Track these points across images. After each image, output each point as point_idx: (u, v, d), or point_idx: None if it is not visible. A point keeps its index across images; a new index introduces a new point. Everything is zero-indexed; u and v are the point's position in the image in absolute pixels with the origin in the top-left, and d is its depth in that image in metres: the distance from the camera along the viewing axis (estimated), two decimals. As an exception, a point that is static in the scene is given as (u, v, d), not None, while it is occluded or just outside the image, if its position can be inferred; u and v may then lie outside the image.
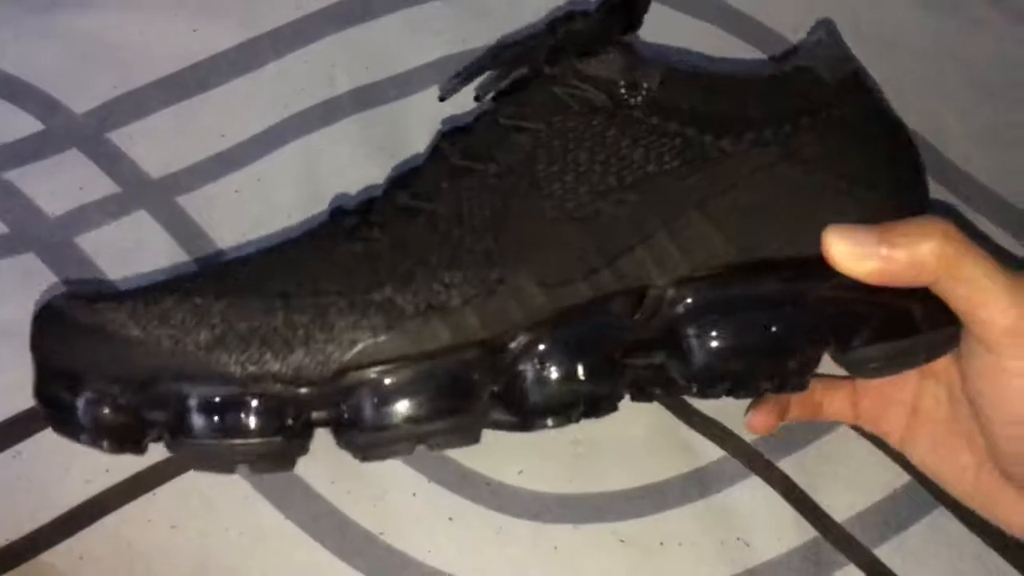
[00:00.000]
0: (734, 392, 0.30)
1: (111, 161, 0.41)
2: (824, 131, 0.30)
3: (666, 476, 0.37)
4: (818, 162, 0.30)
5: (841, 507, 0.37)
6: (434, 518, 0.35)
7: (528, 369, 0.28)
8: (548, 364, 0.28)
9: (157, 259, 0.39)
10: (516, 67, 0.31)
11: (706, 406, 0.38)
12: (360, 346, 0.27)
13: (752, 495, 0.37)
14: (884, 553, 0.36)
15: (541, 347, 0.28)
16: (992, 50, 0.47)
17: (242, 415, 0.27)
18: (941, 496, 0.37)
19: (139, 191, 0.40)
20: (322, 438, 0.36)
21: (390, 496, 0.36)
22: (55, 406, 0.28)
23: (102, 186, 0.40)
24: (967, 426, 0.34)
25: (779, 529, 0.36)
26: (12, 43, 0.43)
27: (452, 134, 0.31)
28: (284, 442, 0.28)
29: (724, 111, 0.30)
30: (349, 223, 0.30)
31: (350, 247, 0.29)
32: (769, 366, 0.29)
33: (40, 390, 0.29)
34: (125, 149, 0.41)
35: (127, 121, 0.42)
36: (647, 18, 0.32)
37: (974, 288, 0.29)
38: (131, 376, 0.27)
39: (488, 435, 0.33)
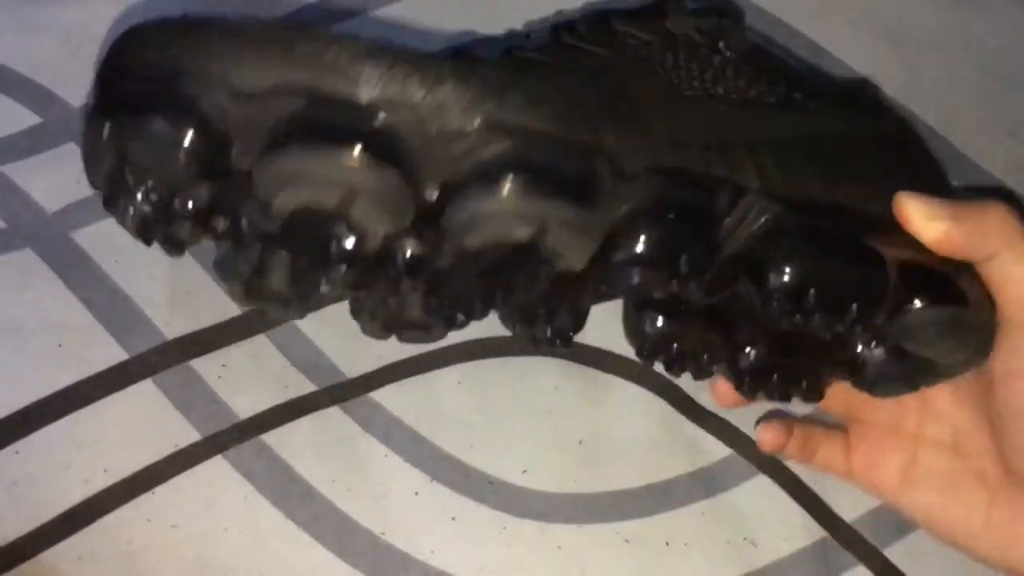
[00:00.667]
0: (805, 315, 0.29)
1: (108, 155, 0.40)
2: (896, 128, 0.34)
3: (672, 475, 0.37)
4: (898, 150, 0.33)
5: (850, 507, 0.37)
6: (436, 518, 0.35)
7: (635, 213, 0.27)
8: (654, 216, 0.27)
9: (154, 254, 0.39)
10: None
11: (714, 404, 0.38)
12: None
13: (759, 494, 0.37)
14: (894, 553, 0.36)
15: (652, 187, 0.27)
16: (1008, 41, 0.46)
17: None
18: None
19: (137, 185, 0.40)
20: (321, 434, 0.36)
21: (391, 495, 0.35)
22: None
23: (99, 180, 0.40)
24: (978, 460, 0.33)
25: (787, 529, 0.36)
26: (8, 35, 0.43)
27: (564, 25, 0.32)
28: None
29: (811, 82, 0.33)
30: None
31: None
32: (835, 303, 0.29)
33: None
34: (122, 143, 0.41)
35: (124, 114, 0.41)
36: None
37: None
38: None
39: (491, 433, 0.33)
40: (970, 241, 0.30)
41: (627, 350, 0.34)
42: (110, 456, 0.35)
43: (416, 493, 0.36)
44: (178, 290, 0.38)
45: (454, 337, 0.37)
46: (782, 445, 0.36)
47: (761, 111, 0.31)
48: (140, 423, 0.36)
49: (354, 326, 0.33)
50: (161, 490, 0.35)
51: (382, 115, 0.24)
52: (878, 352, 0.32)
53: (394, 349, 0.36)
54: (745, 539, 0.36)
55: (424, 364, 0.38)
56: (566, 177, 0.25)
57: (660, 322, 0.31)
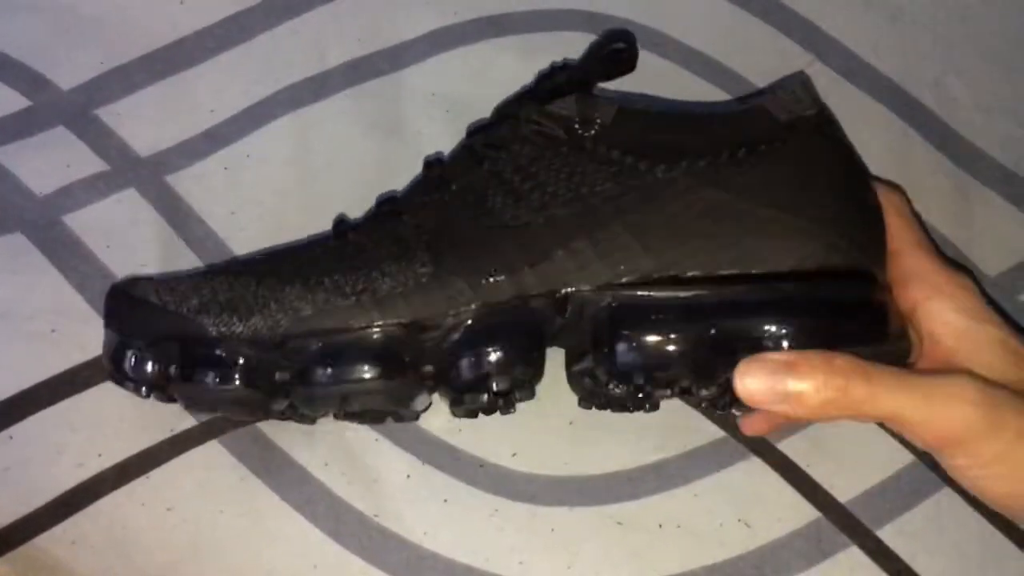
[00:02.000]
0: (647, 388, 0.33)
1: (99, 138, 0.41)
2: (761, 163, 0.33)
3: (665, 457, 0.37)
4: (748, 191, 0.33)
5: (844, 488, 0.37)
6: (428, 500, 0.36)
7: (453, 349, 0.33)
8: (468, 347, 0.33)
9: (147, 238, 0.39)
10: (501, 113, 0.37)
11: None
12: (304, 315, 0.33)
13: (753, 476, 0.37)
14: (887, 534, 0.37)
15: (461, 332, 0.33)
16: (1001, 20, 0.47)
17: (218, 369, 0.33)
18: (945, 476, 0.37)
19: (128, 169, 0.41)
20: (320, 423, 0.36)
21: (383, 479, 0.36)
22: (114, 363, 0.34)
23: (90, 164, 0.41)
24: None
25: (780, 510, 0.37)
26: (-4, 17, 0.44)
27: (435, 162, 0.37)
28: (251, 392, 0.33)
29: (666, 141, 0.34)
30: (340, 228, 0.36)
31: (328, 243, 0.35)
32: (665, 380, 0.33)
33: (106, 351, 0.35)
34: (113, 126, 0.41)
35: (114, 98, 0.42)
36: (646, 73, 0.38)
37: (888, 412, 0.30)
38: (149, 334, 0.34)
39: (481, 417, 0.33)
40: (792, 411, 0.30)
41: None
42: (104, 441, 0.36)
43: (407, 476, 0.36)
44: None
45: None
46: (764, 428, 0.36)
47: (590, 206, 0.33)
48: (134, 408, 0.36)
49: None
50: (156, 474, 0.36)
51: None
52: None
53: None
54: (739, 521, 0.36)
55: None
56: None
57: (586, 381, 0.34)
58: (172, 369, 0.33)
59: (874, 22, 0.38)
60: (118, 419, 0.36)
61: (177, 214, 0.40)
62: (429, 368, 0.33)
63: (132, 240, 0.39)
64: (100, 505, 0.35)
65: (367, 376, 0.32)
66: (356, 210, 0.39)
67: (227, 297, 0.33)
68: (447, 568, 0.35)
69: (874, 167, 0.42)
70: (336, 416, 0.35)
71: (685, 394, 0.34)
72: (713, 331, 0.31)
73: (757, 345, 0.31)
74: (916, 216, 0.36)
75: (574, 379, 0.35)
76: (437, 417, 0.37)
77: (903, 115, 0.44)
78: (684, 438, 0.38)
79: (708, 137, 0.34)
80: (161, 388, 0.34)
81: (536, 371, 0.34)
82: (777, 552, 0.36)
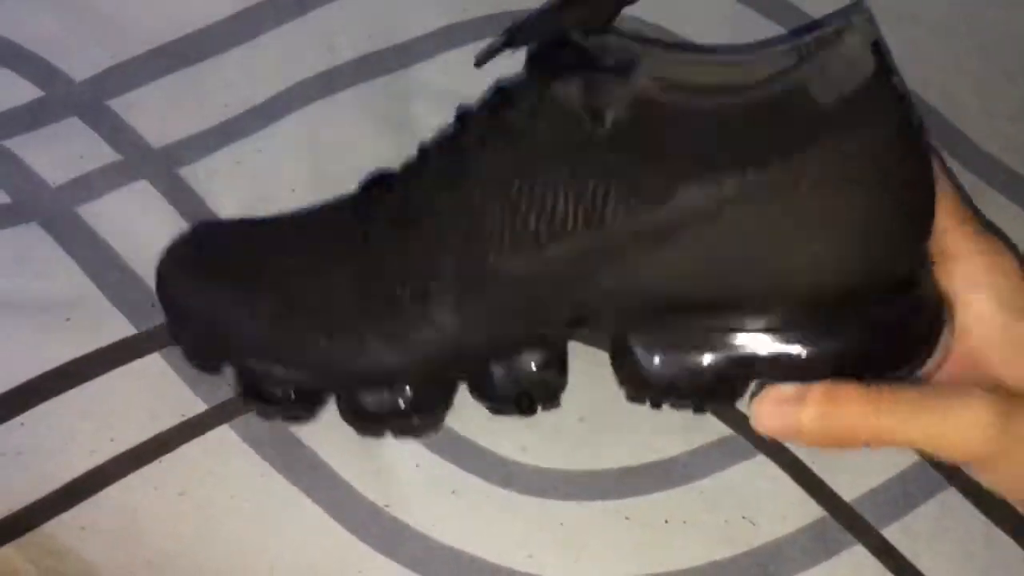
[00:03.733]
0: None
1: (112, 130, 0.42)
2: (790, 175, 0.30)
3: (672, 454, 0.39)
4: (775, 208, 0.30)
5: (849, 486, 0.38)
6: (437, 491, 0.37)
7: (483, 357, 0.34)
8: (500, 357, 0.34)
9: (159, 229, 0.40)
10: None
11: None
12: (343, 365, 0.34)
13: (758, 474, 0.38)
14: (892, 533, 0.38)
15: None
16: (1008, 25, 0.48)
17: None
18: (951, 476, 0.38)
19: (140, 160, 0.42)
20: (330, 411, 0.37)
21: (393, 468, 0.37)
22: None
23: (103, 155, 0.42)
24: None
25: (785, 508, 0.38)
26: (10, 7, 0.45)
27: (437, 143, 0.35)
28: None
29: (688, 152, 0.30)
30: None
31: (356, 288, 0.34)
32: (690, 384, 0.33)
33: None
34: (125, 118, 0.43)
35: (126, 89, 0.43)
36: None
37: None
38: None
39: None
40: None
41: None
42: (117, 427, 0.37)
43: (417, 465, 0.37)
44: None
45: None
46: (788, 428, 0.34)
47: (605, 230, 0.30)
48: (147, 395, 0.38)
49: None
50: (168, 459, 0.37)
51: None
52: None
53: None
54: (744, 518, 0.38)
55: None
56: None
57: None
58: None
59: (885, 28, 0.39)
60: (130, 406, 0.37)
61: (189, 206, 0.41)
62: (462, 377, 0.34)
63: (145, 231, 0.41)
64: (111, 491, 0.36)
65: (404, 408, 0.34)
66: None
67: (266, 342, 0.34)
68: (455, 559, 0.36)
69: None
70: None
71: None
72: (731, 360, 0.32)
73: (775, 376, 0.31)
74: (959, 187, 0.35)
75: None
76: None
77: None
78: (692, 436, 0.39)
79: (737, 145, 0.30)
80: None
81: (565, 377, 0.35)
82: (782, 549, 0.37)
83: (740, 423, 0.39)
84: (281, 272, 0.35)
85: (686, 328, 0.32)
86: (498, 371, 0.34)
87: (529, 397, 0.34)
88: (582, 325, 0.34)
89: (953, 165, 0.45)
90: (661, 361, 0.32)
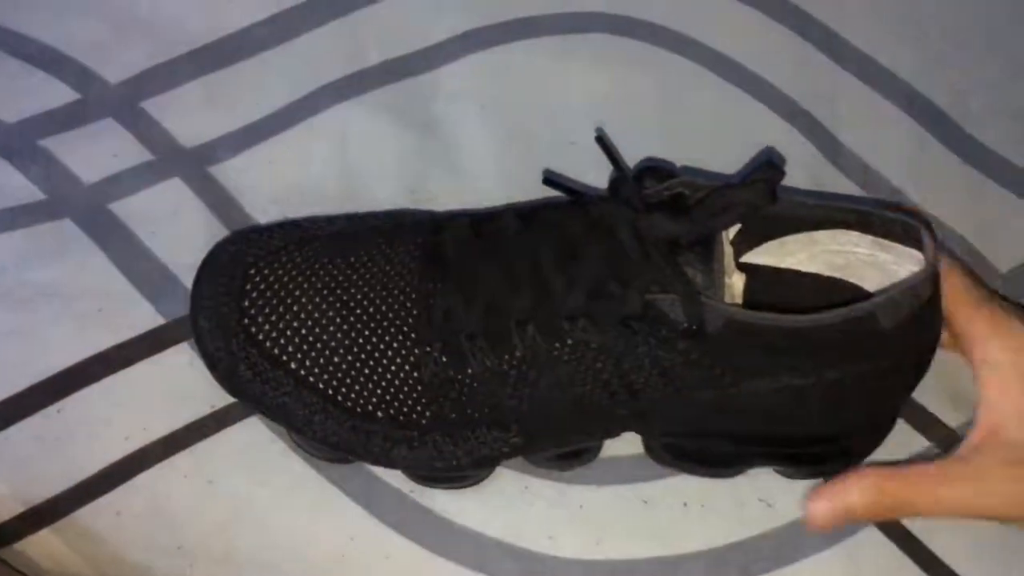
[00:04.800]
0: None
1: (145, 130, 0.44)
2: (835, 382, 0.34)
3: (690, 440, 0.40)
4: (837, 399, 0.35)
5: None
6: (461, 476, 0.38)
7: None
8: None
9: (191, 226, 0.42)
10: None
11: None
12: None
13: (774, 459, 0.40)
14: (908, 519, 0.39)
15: None
16: (1015, 26, 0.50)
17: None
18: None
19: (173, 159, 0.44)
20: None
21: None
22: None
23: (136, 154, 0.44)
24: None
25: (802, 491, 0.39)
26: (49, 14, 0.47)
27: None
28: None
29: (764, 361, 0.34)
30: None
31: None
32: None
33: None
34: (159, 118, 0.44)
35: (160, 91, 0.45)
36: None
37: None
38: None
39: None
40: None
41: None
42: (149, 415, 0.39)
43: (442, 451, 0.39)
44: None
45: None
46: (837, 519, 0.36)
47: (667, 399, 0.35)
48: (177, 384, 0.39)
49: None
50: (199, 447, 0.38)
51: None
52: None
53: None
54: (760, 500, 0.39)
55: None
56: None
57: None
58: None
59: (892, 28, 0.40)
60: (162, 395, 0.39)
61: (221, 204, 0.43)
62: (516, 440, 0.36)
63: (176, 227, 0.42)
64: (144, 477, 0.38)
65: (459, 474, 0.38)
66: (391, 203, 0.42)
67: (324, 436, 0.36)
68: (478, 542, 0.38)
69: (892, 170, 0.45)
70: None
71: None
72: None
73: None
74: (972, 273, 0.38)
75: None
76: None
77: (920, 119, 0.47)
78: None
79: (803, 357, 0.34)
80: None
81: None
82: (799, 532, 0.38)
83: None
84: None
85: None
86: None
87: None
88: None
89: (962, 165, 0.46)
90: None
